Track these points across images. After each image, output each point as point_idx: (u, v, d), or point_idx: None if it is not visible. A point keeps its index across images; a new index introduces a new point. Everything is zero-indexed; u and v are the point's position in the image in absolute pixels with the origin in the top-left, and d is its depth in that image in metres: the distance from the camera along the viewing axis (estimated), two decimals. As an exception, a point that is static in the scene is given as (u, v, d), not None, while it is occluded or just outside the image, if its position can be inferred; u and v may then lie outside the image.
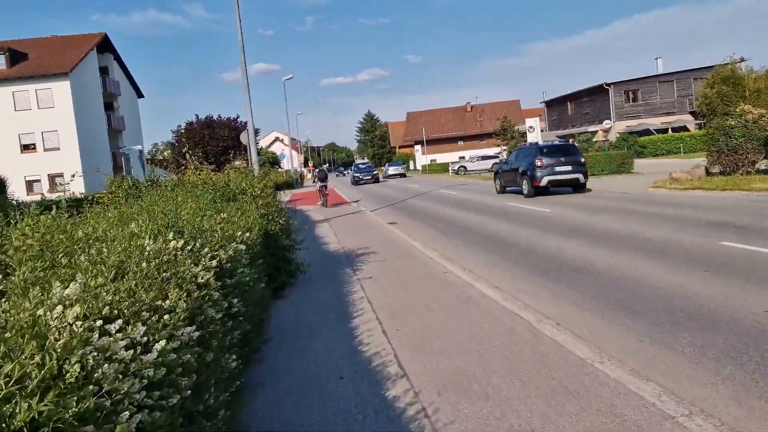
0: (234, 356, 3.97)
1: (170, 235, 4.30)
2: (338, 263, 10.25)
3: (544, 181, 20.17)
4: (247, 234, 5.92)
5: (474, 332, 5.62)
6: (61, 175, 44.73)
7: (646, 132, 53.24)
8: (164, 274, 3.32)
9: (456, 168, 57.88)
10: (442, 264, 9.44)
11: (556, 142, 26.56)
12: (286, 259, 8.02)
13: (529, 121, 32.18)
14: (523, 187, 21.23)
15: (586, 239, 10.93)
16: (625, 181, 24.94)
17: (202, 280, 3.78)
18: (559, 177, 20.39)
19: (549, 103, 69.51)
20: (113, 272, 3.04)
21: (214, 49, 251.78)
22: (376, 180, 50.43)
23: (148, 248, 3.85)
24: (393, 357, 5.07)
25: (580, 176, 20.68)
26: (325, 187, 25.54)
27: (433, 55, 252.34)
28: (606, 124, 55.89)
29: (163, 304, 2.76)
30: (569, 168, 20.52)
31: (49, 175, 44.92)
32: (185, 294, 3.05)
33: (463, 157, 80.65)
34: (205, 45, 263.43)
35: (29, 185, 44.09)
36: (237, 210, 6.74)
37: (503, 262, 9.59)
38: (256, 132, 57.19)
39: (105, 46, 51.51)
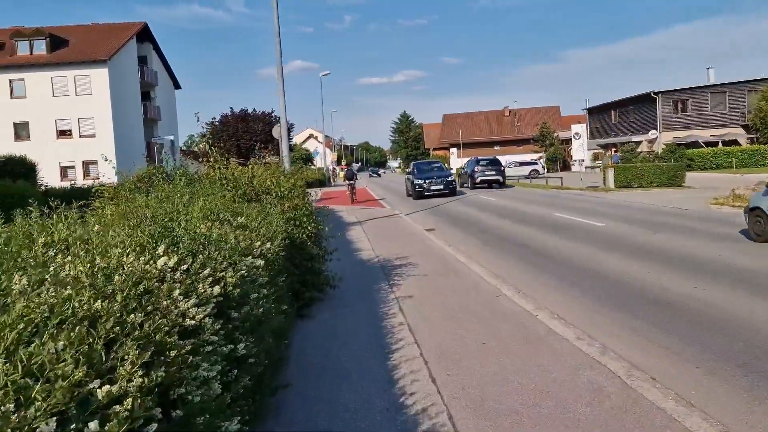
0: (237, 419, 2.84)
1: (160, 249, 3.18)
2: (373, 276, 9.09)
3: (478, 179, 33.22)
4: (268, 245, 4.79)
5: (549, 387, 4.38)
6: (95, 163, 44.66)
7: (695, 144, 50.88)
8: (131, 317, 2.19)
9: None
10: (493, 285, 8.19)
11: (488, 158, 39.14)
12: (315, 271, 6.88)
13: (576, 128, 30.64)
14: (468, 183, 34.24)
15: (653, 261, 9.55)
16: (677, 196, 23.24)
17: (192, 322, 2.65)
18: (487, 177, 33.54)
19: (591, 111, 67.28)
20: (41, 314, 1.90)
21: (251, 44, 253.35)
22: (452, 192, 28.97)
23: (123, 269, 2.74)
24: (447, 420, 3.86)
25: (500, 177, 34.10)
26: (353, 185, 29.00)
27: (471, 58, 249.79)
28: (652, 134, 53.64)
29: (99, 391, 1.60)
30: (493, 172, 34.15)
31: (83, 161, 44.86)
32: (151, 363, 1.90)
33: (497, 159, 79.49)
34: (243, 40, 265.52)
35: (63, 171, 44.09)
36: (258, 213, 5.62)
37: (564, 285, 8.29)
38: (290, 128, 56.54)
39: (145, 35, 51.40)
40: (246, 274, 3.89)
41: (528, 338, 5.63)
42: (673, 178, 30.01)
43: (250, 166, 7.90)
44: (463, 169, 40.47)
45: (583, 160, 41.72)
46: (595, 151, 62.09)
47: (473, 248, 12.05)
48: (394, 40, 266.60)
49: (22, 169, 26.54)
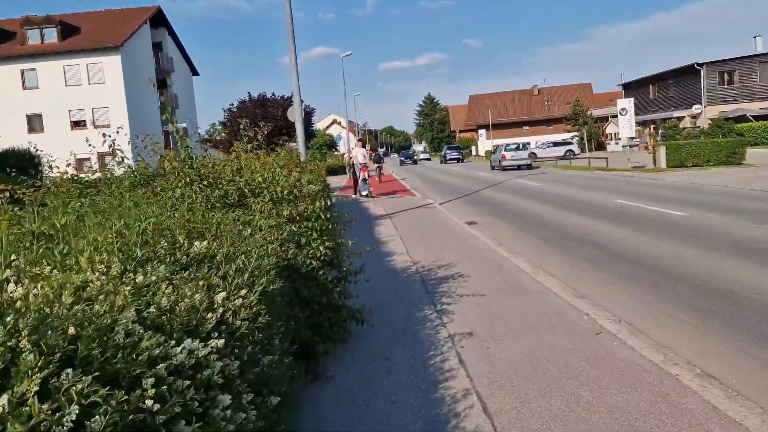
0: None
1: None
2: (412, 296, 6.82)
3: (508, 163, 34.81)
4: (241, 299, 2.58)
5: None
6: (110, 154, 43.03)
7: (743, 119, 47.31)
8: None
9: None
10: (581, 311, 5.88)
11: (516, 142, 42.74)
12: (333, 305, 4.66)
13: (622, 102, 27.81)
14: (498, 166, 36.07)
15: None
16: (747, 175, 20.44)
17: None
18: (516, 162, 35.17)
19: (627, 86, 63.72)
20: None
21: (273, 34, 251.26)
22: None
23: None
24: None
25: (530, 161, 35.98)
26: (380, 167, 30.99)
27: (494, 40, 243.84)
28: (696, 109, 50.14)
29: None
30: (523, 155, 36.15)
31: (99, 153, 43.19)
32: None
33: (528, 144, 75.96)
34: (264, 29, 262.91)
35: (79, 163, 42.53)
36: (239, 230, 3.42)
37: (691, 314, 5.93)
38: (311, 112, 54.24)
39: (159, 20, 49.52)
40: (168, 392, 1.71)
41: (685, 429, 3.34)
42: (732, 156, 27.07)
43: (233, 152, 5.70)
44: (493, 153, 42.16)
45: (634, 138, 38.73)
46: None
47: (532, 249, 9.72)
48: (417, 24, 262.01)
49: (23, 163, 24.86)
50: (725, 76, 49.93)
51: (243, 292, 2.71)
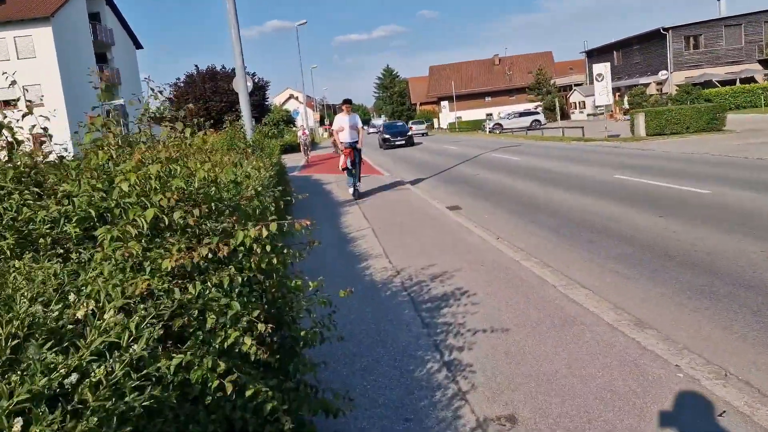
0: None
1: None
2: (403, 338, 4.70)
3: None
4: None
5: None
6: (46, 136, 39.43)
7: (709, 84, 46.46)
8: None
9: (491, 126, 51.58)
10: (663, 357, 3.89)
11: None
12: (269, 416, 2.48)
13: (598, 68, 26.03)
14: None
15: None
16: (738, 142, 18.89)
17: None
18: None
19: (591, 54, 62.40)
20: None
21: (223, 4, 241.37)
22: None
23: None
24: None
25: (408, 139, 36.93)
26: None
27: (450, 11, 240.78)
28: (662, 75, 49.02)
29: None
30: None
31: (34, 135, 39.55)
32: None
33: (491, 115, 73.99)
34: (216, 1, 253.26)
35: (10, 146, 38.79)
36: None
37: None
38: (265, 86, 51.11)
39: (95, -12, 45.45)
40: None
41: None
42: (712, 122, 25.70)
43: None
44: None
45: (599, 106, 37.14)
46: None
47: (541, 244, 7.71)
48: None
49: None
50: (691, 40, 48.85)
51: None
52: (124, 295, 1.75)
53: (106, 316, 1.59)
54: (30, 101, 4.34)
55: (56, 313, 1.61)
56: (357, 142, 12.58)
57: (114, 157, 2.94)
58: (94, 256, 1.99)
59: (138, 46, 54.16)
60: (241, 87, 10.98)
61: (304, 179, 19.50)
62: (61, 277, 1.88)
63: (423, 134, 56.47)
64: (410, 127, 41.92)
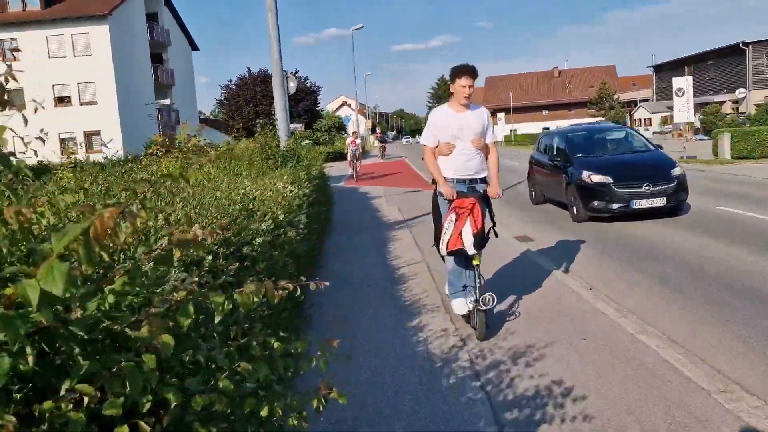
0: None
1: None
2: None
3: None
4: None
5: None
6: (97, 133, 39.36)
7: (793, 104, 42.71)
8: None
9: (551, 141, 48.97)
10: None
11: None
12: None
13: (678, 82, 23.53)
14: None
15: None
16: None
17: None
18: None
19: (659, 68, 59.07)
20: None
21: (286, 10, 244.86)
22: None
23: None
24: None
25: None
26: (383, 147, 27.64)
27: (506, 21, 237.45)
28: (739, 93, 45.57)
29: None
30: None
31: (84, 132, 39.56)
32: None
33: (548, 128, 71.32)
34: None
35: (63, 143, 38.82)
36: None
37: None
38: (317, 90, 49.88)
39: (154, -12, 45.40)
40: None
41: None
42: (809, 146, 22.85)
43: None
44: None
45: (693, 123, 34.21)
46: (665, 113, 54.12)
47: (656, 303, 5.76)
48: (428, 6, 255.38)
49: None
50: (774, 57, 45.21)
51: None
52: None
53: None
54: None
55: None
56: (484, 179, 5.23)
57: None
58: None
59: (194, 47, 54.08)
60: (277, 83, 9.37)
61: (350, 192, 17.89)
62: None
63: None
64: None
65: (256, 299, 1.29)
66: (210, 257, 2.89)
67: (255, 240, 3.54)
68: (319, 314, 5.43)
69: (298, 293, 2.06)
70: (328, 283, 1.82)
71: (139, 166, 6.63)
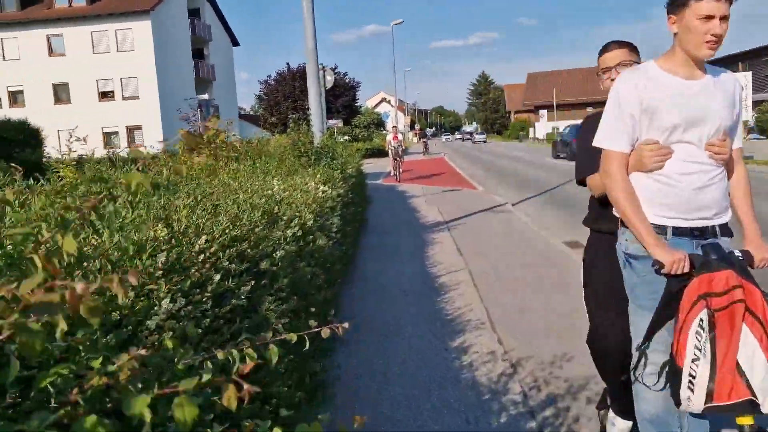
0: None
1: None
2: None
3: None
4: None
5: None
6: (139, 128, 39.85)
7: None
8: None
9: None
10: None
11: None
12: None
13: (738, 76, 22.19)
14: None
15: None
16: None
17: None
18: None
19: (711, 64, 56.61)
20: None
21: (324, 6, 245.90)
22: None
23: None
24: None
25: None
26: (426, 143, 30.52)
27: (547, 18, 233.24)
28: (798, 90, 43.18)
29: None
30: None
31: (127, 126, 40.10)
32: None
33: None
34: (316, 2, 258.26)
35: (106, 138, 39.40)
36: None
37: None
38: (356, 86, 49.41)
39: (196, -17, 45.71)
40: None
41: None
42: None
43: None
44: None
45: (748, 122, 32.66)
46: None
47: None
48: (468, 2, 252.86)
49: (21, 136, 21.34)
50: None
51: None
52: None
53: None
54: None
55: None
56: (726, 227, 2.50)
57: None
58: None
59: (235, 43, 54.39)
60: (311, 73, 8.86)
61: (388, 190, 17.36)
62: None
63: (483, 142, 57.36)
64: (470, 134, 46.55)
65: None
66: (218, 276, 2.39)
67: (276, 253, 3.03)
68: (352, 328, 4.90)
69: (307, 346, 1.61)
70: (347, 325, 1.61)
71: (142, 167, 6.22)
